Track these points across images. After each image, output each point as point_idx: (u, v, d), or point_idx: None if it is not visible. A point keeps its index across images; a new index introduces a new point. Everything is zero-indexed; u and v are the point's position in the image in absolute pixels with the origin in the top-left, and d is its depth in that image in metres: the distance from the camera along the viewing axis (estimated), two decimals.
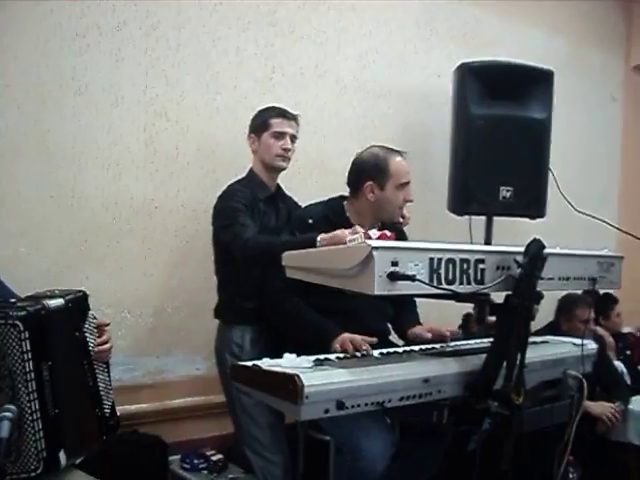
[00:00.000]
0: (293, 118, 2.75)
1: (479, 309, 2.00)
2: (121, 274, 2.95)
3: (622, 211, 4.99)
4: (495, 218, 3.50)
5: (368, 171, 2.48)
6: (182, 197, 3.11)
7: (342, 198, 2.60)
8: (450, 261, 1.83)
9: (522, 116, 3.35)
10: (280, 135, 2.70)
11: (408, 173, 2.48)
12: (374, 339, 2.24)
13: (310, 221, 2.50)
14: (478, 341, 2.37)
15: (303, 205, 2.75)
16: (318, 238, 2.20)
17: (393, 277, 1.69)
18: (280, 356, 1.93)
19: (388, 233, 1.99)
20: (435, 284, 1.79)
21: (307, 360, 1.91)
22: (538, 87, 3.40)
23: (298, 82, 3.43)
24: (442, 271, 1.82)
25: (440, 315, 2.95)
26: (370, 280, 1.68)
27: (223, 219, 2.59)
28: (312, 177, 3.42)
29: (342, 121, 3.59)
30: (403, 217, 2.63)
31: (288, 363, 1.88)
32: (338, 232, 2.14)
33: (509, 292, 1.92)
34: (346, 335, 2.23)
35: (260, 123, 2.74)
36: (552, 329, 3.72)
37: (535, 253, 1.86)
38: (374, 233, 1.94)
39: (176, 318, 3.10)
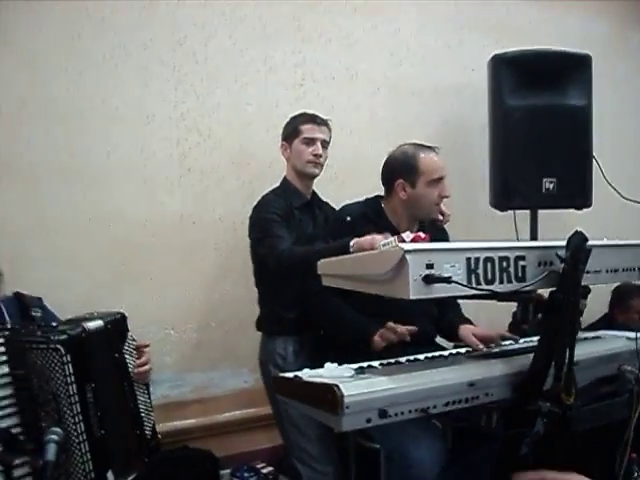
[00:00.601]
0: (324, 123, 2.71)
1: (522, 308, 1.92)
2: (162, 291, 2.96)
3: None
4: (540, 211, 3.40)
5: (398, 169, 2.43)
6: (219, 211, 3.12)
7: (379, 197, 2.55)
8: (488, 260, 1.76)
9: (561, 104, 3.24)
10: (311, 141, 2.68)
11: (442, 168, 2.41)
12: (414, 327, 2.19)
13: (348, 219, 2.46)
14: (527, 340, 2.28)
15: None
16: (351, 243, 2.16)
17: (428, 280, 1.63)
18: (322, 366, 1.89)
19: (422, 234, 1.93)
20: (473, 285, 1.72)
21: (348, 369, 1.86)
22: (576, 73, 3.28)
23: (329, 86, 3.39)
24: (480, 271, 1.75)
25: (490, 315, 2.85)
26: (405, 284, 1.62)
27: (258, 231, 2.58)
28: (349, 181, 3.38)
29: (377, 122, 3.54)
30: (442, 214, 2.56)
31: (329, 373, 1.84)
32: (368, 237, 2.10)
33: (553, 289, 1.84)
34: (388, 325, 2.19)
35: (291, 130, 2.72)
36: (607, 322, 3.60)
37: (577, 246, 1.77)
38: (407, 236, 1.88)
39: (220, 332, 3.10)
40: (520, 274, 1.83)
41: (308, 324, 2.52)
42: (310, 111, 2.76)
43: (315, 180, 2.79)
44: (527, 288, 1.83)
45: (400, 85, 3.62)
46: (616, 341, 2.31)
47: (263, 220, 2.57)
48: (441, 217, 2.56)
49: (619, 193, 3.03)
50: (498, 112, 3.28)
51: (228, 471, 3.00)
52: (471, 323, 2.49)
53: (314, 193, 2.83)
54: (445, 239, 2.60)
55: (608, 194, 3.35)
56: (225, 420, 3.08)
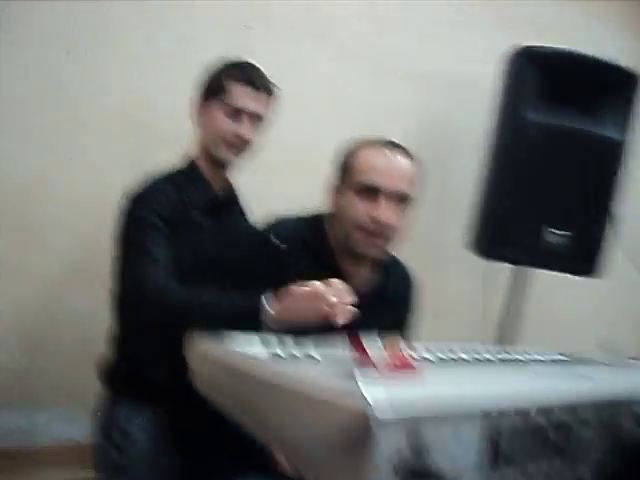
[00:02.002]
0: (265, 88, 1.77)
1: None
2: None
3: None
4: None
5: (337, 169, 1.59)
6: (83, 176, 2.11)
7: (321, 217, 1.64)
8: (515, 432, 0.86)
9: (591, 132, 2.36)
10: (237, 112, 1.74)
11: (387, 175, 1.50)
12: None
13: (282, 246, 1.54)
14: None
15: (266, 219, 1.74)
16: (267, 307, 1.24)
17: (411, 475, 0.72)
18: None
19: (405, 356, 0.96)
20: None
21: None
22: (617, 94, 2.42)
23: (287, 39, 2.42)
24: (504, 445, 0.86)
25: None
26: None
27: (125, 242, 1.63)
28: (295, 178, 2.42)
29: (343, 101, 2.59)
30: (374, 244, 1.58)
31: None
32: (309, 291, 1.26)
33: None
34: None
35: (213, 85, 1.77)
36: None
37: None
38: (380, 357, 0.90)
39: (54, 357, 2.12)
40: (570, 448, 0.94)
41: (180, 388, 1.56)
42: (249, 62, 1.80)
43: (237, 168, 1.84)
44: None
45: (382, 61, 2.67)
46: None
47: (138, 224, 1.61)
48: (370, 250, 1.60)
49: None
50: (508, 123, 2.40)
51: None
52: None
53: (231, 188, 1.89)
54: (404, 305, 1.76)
55: (624, 263, 2.52)
56: None
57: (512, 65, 2.42)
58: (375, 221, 1.47)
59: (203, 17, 2.27)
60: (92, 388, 1.77)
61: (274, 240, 1.55)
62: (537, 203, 2.35)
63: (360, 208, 1.48)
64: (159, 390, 1.66)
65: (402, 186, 1.49)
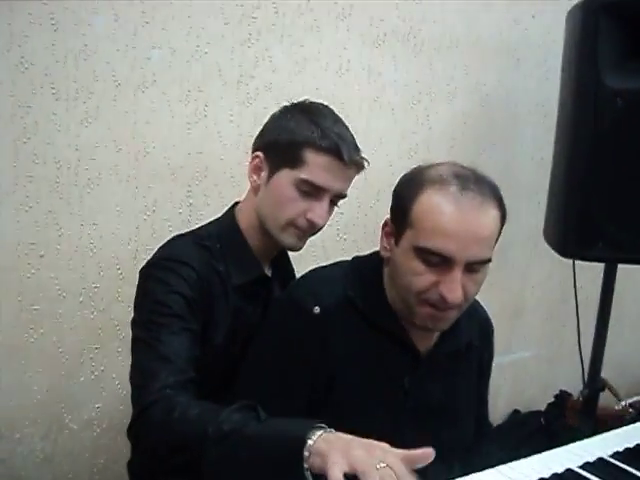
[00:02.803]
0: (354, 163, 1.33)
1: None
2: None
3: None
4: None
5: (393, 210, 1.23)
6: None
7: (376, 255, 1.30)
8: None
9: None
10: (316, 192, 1.32)
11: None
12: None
13: (317, 310, 1.19)
14: None
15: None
16: (306, 454, 0.90)
17: None
18: None
19: None
20: None
21: None
22: None
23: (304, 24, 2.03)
24: None
25: None
26: None
27: (134, 328, 1.28)
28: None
29: (377, 85, 2.18)
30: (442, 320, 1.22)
31: None
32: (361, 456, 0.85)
33: None
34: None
35: (285, 148, 1.32)
36: None
37: None
38: None
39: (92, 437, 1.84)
40: None
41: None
42: (336, 119, 1.36)
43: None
44: None
45: (421, 33, 2.25)
46: None
47: (152, 304, 1.25)
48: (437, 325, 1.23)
49: None
50: (582, 94, 1.96)
51: None
52: None
53: (282, 259, 1.52)
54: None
55: None
56: None
57: (582, 18, 1.96)
58: (444, 299, 1.11)
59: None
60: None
61: (315, 310, 1.21)
62: (632, 189, 1.92)
63: (426, 278, 1.12)
64: None
65: (482, 253, 1.12)
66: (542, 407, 2.54)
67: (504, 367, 1.44)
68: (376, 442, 0.91)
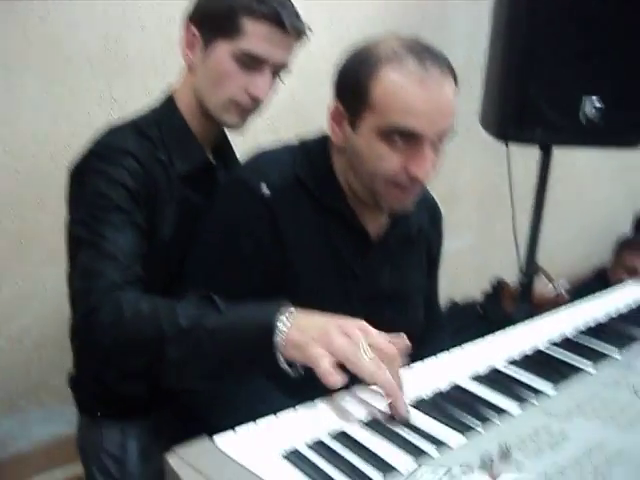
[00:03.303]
0: (296, 31, 1.21)
1: None
2: None
3: None
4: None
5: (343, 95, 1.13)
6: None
7: (324, 138, 1.21)
8: None
9: None
10: (256, 63, 1.20)
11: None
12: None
13: (265, 192, 1.11)
14: None
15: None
16: (279, 339, 0.84)
17: None
18: None
19: None
20: None
21: None
22: None
23: None
24: None
25: None
26: None
27: (72, 225, 1.16)
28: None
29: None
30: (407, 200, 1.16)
31: None
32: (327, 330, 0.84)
33: None
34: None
35: (221, 17, 1.19)
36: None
37: None
38: None
39: (25, 349, 1.74)
40: None
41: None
42: None
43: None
44: None
45: None
46: None
47: (91, 197, 1.13)
48: (401, 205, 1.16)
49: None
50: None
51: None
52: None
53: (224, 144, 1.40)
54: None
55: None
56: None
57: None
58: (414, 178, 1.06)
59: None
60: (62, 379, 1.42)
61: (264, 190, 1.12)
62: (567, 68, 1.89)
63: (393, 161, 1.05)
64: (140, 405, 1.31)
65: (446, 124, 1.06)
66: (479, 296, 2.60)
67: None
68: (350, 320, 0.86)
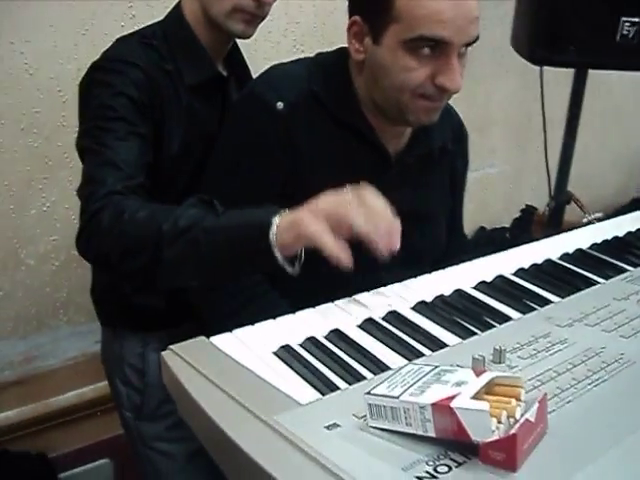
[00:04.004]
0: None
1: None
2: None
3: None
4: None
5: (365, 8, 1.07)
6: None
7: (343, 51, 1.17)
8: None
9: None
10: None
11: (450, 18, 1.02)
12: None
13: (280, 105, 1.10)
14: None
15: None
16: (272, 233, 0.85)
17: None
18: None
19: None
20: None
21: None
22: None
23: None
24: None
25: None
26: None
27: (80, 135, 1.17)
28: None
29: None
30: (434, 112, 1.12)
31: None
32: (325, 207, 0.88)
33: None
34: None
35: None
36: None
37: None
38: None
39: (47, 267, 1.79)
40: None
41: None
42: None
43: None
44: None
45: None
46: None
47: (96, 108, 1.14)
48: (428, 118, 1.13)
49: None
50: None
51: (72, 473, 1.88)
52: None
53: (236, 58, 1.37)
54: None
55: None
56: (63, 406, 1.87)
57: None
58: (442, 88, 1.03)
59: None
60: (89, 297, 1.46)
61: (278, 105, 1.11)
62: None
63: (420, 72, 1.03)
64: (159, 317, 1.33)
65: (474, 32, 1.03)
66: (507, 223, 2.56)
67: (468, 184, 1.38)
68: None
